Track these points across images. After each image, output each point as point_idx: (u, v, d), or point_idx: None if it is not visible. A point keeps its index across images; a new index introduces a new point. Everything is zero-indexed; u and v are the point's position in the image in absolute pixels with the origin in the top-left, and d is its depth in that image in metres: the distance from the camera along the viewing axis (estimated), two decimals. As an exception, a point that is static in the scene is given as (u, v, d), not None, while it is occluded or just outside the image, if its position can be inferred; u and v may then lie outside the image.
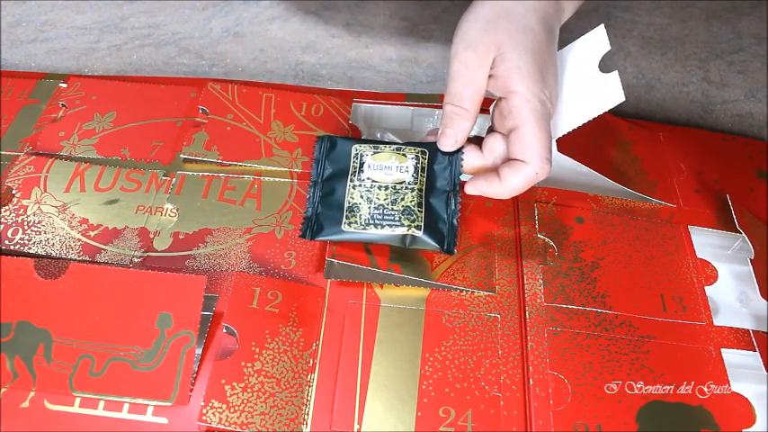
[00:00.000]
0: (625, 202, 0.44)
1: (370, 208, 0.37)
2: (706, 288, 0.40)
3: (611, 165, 0.44)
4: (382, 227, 0.37)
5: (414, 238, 0.37)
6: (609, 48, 0.38)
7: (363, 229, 0.37)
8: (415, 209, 0.37)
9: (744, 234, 0.41)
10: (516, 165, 0.35)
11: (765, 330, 0.39)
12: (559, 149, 0.42)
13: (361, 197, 0.38)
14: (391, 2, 0.60)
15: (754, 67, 0.56)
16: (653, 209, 0.44)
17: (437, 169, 0.39)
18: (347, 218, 0.37)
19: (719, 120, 0.53)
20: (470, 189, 0.38)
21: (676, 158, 0.47)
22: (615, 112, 0.50)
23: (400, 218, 0.37)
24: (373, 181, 0.38)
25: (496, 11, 0.36)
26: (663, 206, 0.44)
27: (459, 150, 0.38)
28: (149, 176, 0.44)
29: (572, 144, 0.43)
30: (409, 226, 0.37)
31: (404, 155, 0.39)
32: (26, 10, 0.59)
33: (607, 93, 0.38)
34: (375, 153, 0.39)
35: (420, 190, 0.38)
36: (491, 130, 0.39)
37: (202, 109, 0.47)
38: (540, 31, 0.36)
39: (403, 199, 0.37)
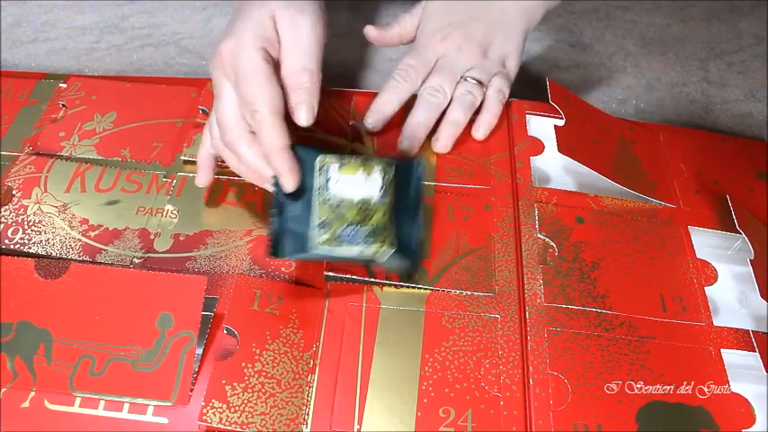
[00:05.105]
0: (625, 203, 0.44)
1: (341, 225, 0.35)
2: (706, 288, 0.40)
3: (612, 165, 0.44)
4: (352, 244, 0.35)
5: (384, 255, 0.35)
6: None
7: (338, 245, 0.35)
8: (385, 225, 0.35)
9: (743, 235, 0.41)
10: None
11: (765, 331, 0.39)
12: (559, 149, 0.42)
13: (332, 212, 0.35)
14: (391, 2, 0.60)
15: (753, 68, 0.56)
16: (653, 209, 0.44)
17: (402, 182, 0.38)
18: (319, 235, 0.35)
19: (719, 120, 0.53)
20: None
21: (676, 159, 0.47)
22: (615, 112, 0.50)
23: (372, 234, 0.35)
24: (342, 198, 0.36)
25: None
26: (663, 206, 0.44)
27: (420, 159, 0.39)
28: (150, 178, 0.44)
29: (572, 144, 0.43)
30: (382, 243, 0.35)
31: (371, 168, 0.37)
32: (26, 10, 0.59)
33: None
34: (342, 166, 0.36)
35: (388, 205, 0.36)
36: None
37: (203, 110, 0.47)
38: None
39: (372, 216, 0.35)
